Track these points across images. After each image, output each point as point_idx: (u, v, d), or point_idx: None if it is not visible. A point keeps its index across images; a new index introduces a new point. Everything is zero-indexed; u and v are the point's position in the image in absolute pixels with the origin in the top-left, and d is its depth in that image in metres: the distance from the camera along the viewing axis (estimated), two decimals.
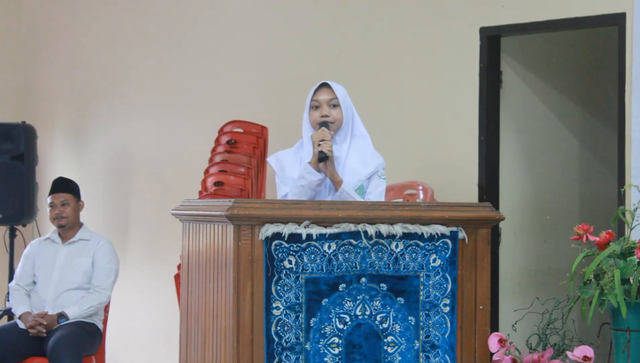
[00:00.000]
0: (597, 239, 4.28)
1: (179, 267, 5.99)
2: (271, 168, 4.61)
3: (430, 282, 4.13)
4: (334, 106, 4.48)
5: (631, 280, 4.14)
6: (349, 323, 4.05)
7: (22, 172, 7.39)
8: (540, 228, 6.27)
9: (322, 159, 4.38)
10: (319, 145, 4.38)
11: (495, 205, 5.83)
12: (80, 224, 6.34)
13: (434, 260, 4.14)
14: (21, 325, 6.05)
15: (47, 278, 6.18)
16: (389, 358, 4.09)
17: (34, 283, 6.24)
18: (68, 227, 6.27)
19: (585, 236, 4.30)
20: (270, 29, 6.90)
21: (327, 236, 4.01)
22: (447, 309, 4.15)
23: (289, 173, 4.51)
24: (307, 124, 4.52)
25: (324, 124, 4.45)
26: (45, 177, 8.01)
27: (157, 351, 7.43)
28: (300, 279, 4.00)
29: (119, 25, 7.89)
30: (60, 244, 6.28)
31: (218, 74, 7.18)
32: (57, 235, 6.33)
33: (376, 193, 4.48)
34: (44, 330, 5.94)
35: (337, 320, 4.04)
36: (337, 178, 4.42)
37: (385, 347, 4.09)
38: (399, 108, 6.21)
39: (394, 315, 4.09)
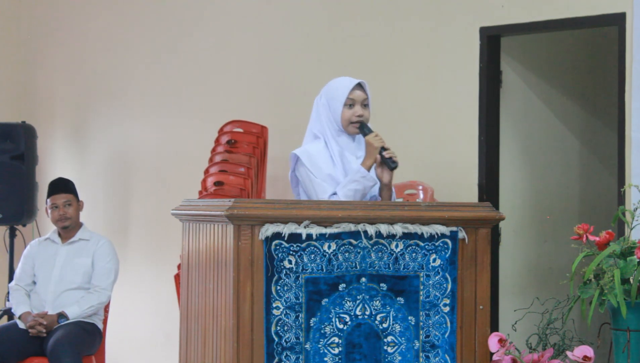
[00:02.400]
0: (597, 239, 4.28)
1: (179, 267, 5.99)
2: (293, 162, 4.45)
3: (430, 282, 4.13)
4: (365, 106, 4.47)
5: (631, 280, 4.14)
6: (349, 323, 4.05)
7: (22, 172, 7.39)
8: (540, 228, 6.27)
9: (395, 168, 4.37)
10: (386, 150, 4.36)
11: (495, 205, 5.83)
12: (80, 225, 6.34)
13: (434, 260, 4.14)
14: (21, 325, 6.05)
15: (47, 278, 6.18)
16: (388, 358, 4.09)
17: (34, 283, 6.24)
18: (71, 228, 6.27)
19: (585, 236, 4.29)
20: (270, 29, 6.90)
21: (327, 236, 4.01)
22: (447, 309, 4.15)
23: (326, 170, 4.40)
24: (333, 119, 4.43)
25: (363, 124, 4.42)
26: (45, 177, 8.01)
27: (157, 351, 7.43)
28: (300, 279, 4.00)
29: (119, 25, 7.90)
30: (60, 244, 6.28)
31: (218, 74, 7.18)
32: (57, 235, 6.32)
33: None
34: (44, 330, 5.94)
35: (337, 319, 4.04)
36: (391, 187, 4.43)
37: (385, 347, 4.09)
38: (399, 108, 6.21)
39: (394, 314, 4.09)
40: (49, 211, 6.27)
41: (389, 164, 4.36)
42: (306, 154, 4.41)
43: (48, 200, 6.27)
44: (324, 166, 4.40)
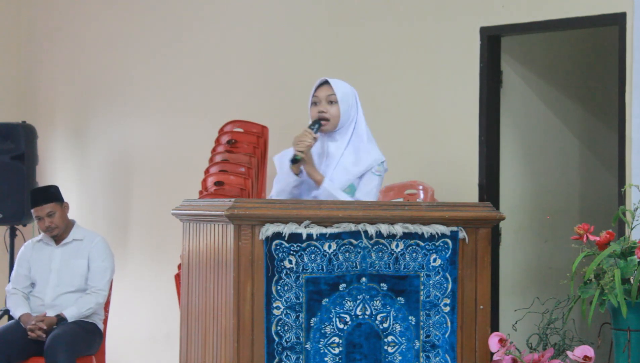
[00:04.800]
0: (598, 239, 4.28)
1: (179, 267, 5.99)
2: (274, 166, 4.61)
3: (431, 282, 4.13)
4: (332, 102, 4.47)
5: (631, 280, 4.14)
6: (349, 323, 4.05)
7: (22, 172, 7.39)
8: (540, 228, 6.27)
9: (293, 161, 4.40)
10: (297, 145, 4.40)
11: (496, 205, 5.83)
12: (72, 224, 6.29)
13: (434, 260, 4.14)
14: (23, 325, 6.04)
15: (45, 282, 6.15)
16: (389, 358, 4.09)
17: (32, 285, 6.21)
18: (60, 233, 6.23)
19: (585, 235, 4.29)
20: (270, 28, 6.90)
21: (327, 236, 4.01)
22: (447, 309, 4.15)
23: (286, 170, 4.50)
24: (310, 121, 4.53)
25: (317, 121, 4.46)
26: (45, 177, 8.01)
27: (157, 351, 7.43)
28: (300, 279, 4.00)
29: (119, 25, 7.90)
30: (54, 246, 6.23)
31: (218, 74, 7.18)
32: (50, 237, 6.26)
33: (365, 191, 4.45)
34: (44, 335, 5.92)
35: (337, 319, 4.04)
36: (316, 177, 4.41)
37: (385, 347, 4.09)
38: (399, 108, 6.21)
39: (394, 314, 4.09)
40: (36, 221, 6.23)
41: (291, 157, 4.43)
42: (279, 156, 4.58)
43: (32, 211, 6.21)
44: (286, 167, 4.50)
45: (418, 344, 4.12)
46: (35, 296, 6.16)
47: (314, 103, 4.50)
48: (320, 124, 4.46)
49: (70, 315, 6.01)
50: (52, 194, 6.22)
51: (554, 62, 6.43)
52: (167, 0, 7.59)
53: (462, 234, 4.17)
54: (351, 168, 4.45)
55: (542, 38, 6.21)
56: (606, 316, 4.30)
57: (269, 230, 3.96)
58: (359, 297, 4.06)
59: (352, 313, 4.06)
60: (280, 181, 4.50)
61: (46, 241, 6.27)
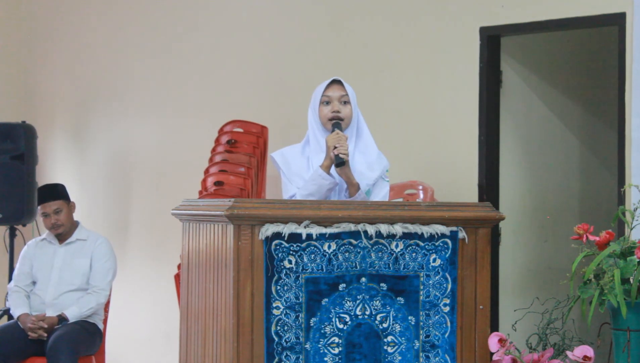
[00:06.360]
0: (597, 239, 4.28)
1: (179, 267, 5.99)
2: (275, 164, 4.52)
3: (430, 282, 4.14)
4: (345, 103, 4.45)
5: (631, 280, 4.14)
6: (349, 323, 4.05)
7: (22, 172, 7.38)
8: (540, 228, 6.27)
9: (340, 164, 4.30)
10: (335, 148, 4.31)
11: (495, 205, 5.83)
12: (76, 224, 6.30)
13: (434, 260, 4.14)
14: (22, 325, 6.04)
15: (46, 280, 6.16)
16: (389, 358, 4.09)
17: (33, 283, 6.22)
18: (65, 232, 6.24)
19: (585, 235, 4.29)
20: (270, 28, 6.90)
21: (327, 236, 4.01)
22: (447, 309, 4.15)
23: (296, 170, 4.45)
24: (315, 120, 4.46)
25: (336, 123, 4.41)
26: (45, 177, 8.01)
27: (157, 351, 7.44)
28: (300, 279, 4.00)
29: (119, 25, 7.90)
30: (57, 245, 6.25)
31: (218, 74, 7.18)
32: (54, 235, 6.28)
33: (380, 196, 4.45)
34: (45, 335, 5.92)
35: (337, 319, 4.04)
36: (353, 181, 4.36)
37: (385, 347, 4.09)
38: (399, 108, 6.22)
39: (394, 314, 4.09)
40: (41, 218, 6.25)
41: (336, 160, 4.33)
42: (281, 155, 4.49)
43: (38, 207, 6.23)
44: (296, 166, 4.45)
45: (418, 344, 4.12)
46: (36, 294, 6.17)
47: (325, 103, 4.44)
48: (341, 126, 4.41)
49: (72, 315, 6.01)
50: (59, 192, 6.27)
51: (554, 62, 6.43)
52: (167, 0, 7.59)
53: (461, 234, 4.17)
54: (367, 172, 4.42)
55: (542, 38, 6.21)
56: (606, 317, 4.30)
57: (268, 229, 3.96)
58: (358, 297, 4.06)
59: (352, 313, 4.06)
60: (294, 181, 4.41)
61: (50, 240, 6.28)
